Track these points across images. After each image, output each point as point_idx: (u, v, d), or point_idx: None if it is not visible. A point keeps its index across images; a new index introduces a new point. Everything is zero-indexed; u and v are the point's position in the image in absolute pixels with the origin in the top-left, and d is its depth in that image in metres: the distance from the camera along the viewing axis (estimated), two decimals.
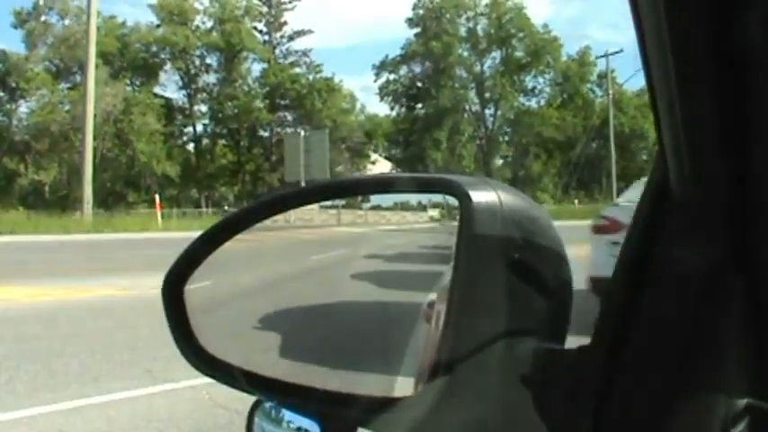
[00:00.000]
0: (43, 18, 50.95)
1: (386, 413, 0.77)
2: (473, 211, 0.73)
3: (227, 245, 0.92)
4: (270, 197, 0.96)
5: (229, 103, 56.52)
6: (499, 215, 0.73)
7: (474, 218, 0.73)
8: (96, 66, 38.02)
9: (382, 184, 0.96)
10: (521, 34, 64.25)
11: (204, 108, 58.98)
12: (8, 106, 50.80)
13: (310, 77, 59.11)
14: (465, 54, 65.10)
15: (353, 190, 1.02)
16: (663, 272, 0.68)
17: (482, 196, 0.74)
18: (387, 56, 65.71)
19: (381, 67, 65.46)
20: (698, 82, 0.58)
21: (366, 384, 0.99)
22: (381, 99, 66.49)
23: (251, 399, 0.94)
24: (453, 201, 0.80)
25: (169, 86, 62.76)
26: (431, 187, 0.93)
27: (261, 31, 59.60)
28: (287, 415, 0.92)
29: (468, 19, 64.89)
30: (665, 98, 0.60)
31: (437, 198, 1.04)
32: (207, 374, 0.91)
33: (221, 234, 0.92)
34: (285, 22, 59.38)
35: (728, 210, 0.64)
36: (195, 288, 0.92)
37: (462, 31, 64.73)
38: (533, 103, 67.59)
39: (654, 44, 0.58)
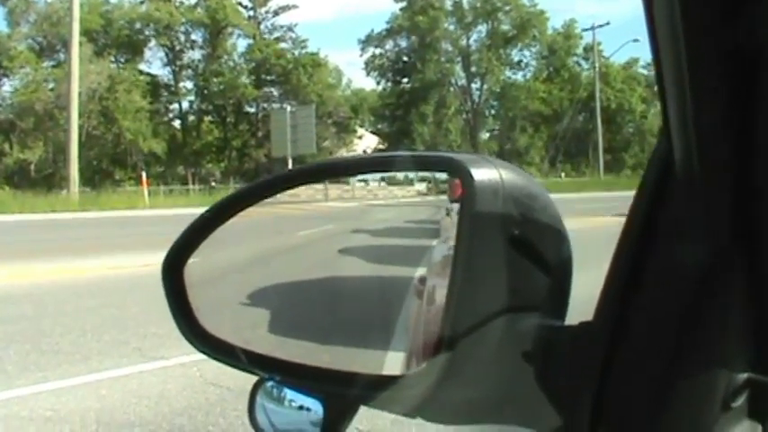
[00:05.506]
0: None
1: (388, 390, 0.77)
2: (475, 188, 0.73)
3: (224, 225, 0.92)
4: (269, 177, 0.96)
5: (215, 80, 56.16)
6: (501, 193, 0.73)
7: (476, 196, 0.72)
8: (80, 43, 37.77)
9: (382, 164, 0.96)
10: (507, 7, 63.97)
11: (190, 85, 58.75)
12: None
13: (296, 53, 58.85)
14: (451, 28, 64.86)
15: (353, 170, 1.01)
16: (665, 249, 0.68)
17: (484, 174, 0.74)
18: (372, 30, 65.55)
19: (367, 42, 65.19)
20: (710, 70, 0.57)
21: (366, 362, 1.00)
22: (368, 74, 66.37)
23: (241, 375, 0.94)
24: (441, 175, 0.80)
25: (154, 63, 62.97)
26: (431, 166, 0.94)
27: (245, 7, 59.27)
28: (289, 394, 0.92)
29: None
30: (674, 85, 0.60)
31: (424, 172, 1.04)
32: (209, 355, 0.91)
33: (219, 215, 0.92)
34: None
35: (733, 193, 0.63)
36: (195, 270, 0.92)
37: (448, 5, 64.43)
38: (520, 77, 67.60)
39: (665, 32, 0.57)
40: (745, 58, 0.55)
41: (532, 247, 0.73)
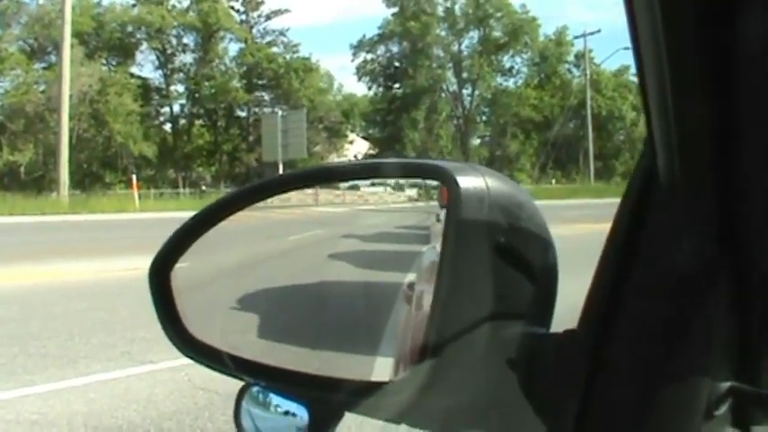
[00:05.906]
0: None
1: (373, 397, 0.77)
2: (461, 196, 0.73)
3: (212, 229, 0.92)
4: (260, 182, 0.96)
5: (206, 83, 56.09)
6: (486, 201, 0.73)
7: (461, 203, 0.73)
8: (71, 45, 37.65)
9: (371, 170, 0.97)
10: (499, 14, 64.06)
11: (181, 88, 58.63)
12: None
13: (287, 57, 58.79)
14: (443, 34, 64.88)
15: (344, 176, 1.01)
16: (649, 258, 0.69)
17: (470, 182, 0.74)
18: (364, 35, 65.54)
19: (359, 47, 65.22)
20: (692, 77, 0.58)
21: (354, 367, 1.00)
22: (359, 79, 66.39)
23: (230, 380, 0.94)
24: (432, 181, 0.80)
25: (146, 66, 62.42)
26: (419, 173, 0.95)
27: (238, 11, 59.19)
28: (274, 399, 0.92)
29: None
30: (656, 92, 0.61)
31: (413, 179, 1.04)
32: (196, 360, 0.91)
33: (207, 220, 0.92)
34: (262, 2, 58.96)
35: (715, 201, 0.64)
36: (181, 275, 0.92)
37: (440, 11, 64.53)
38: (511, 84, 67.61)
39: (647, 38, 0.58)
40: (727, 60, 0.56)
41: (518, 255, 0.74)
